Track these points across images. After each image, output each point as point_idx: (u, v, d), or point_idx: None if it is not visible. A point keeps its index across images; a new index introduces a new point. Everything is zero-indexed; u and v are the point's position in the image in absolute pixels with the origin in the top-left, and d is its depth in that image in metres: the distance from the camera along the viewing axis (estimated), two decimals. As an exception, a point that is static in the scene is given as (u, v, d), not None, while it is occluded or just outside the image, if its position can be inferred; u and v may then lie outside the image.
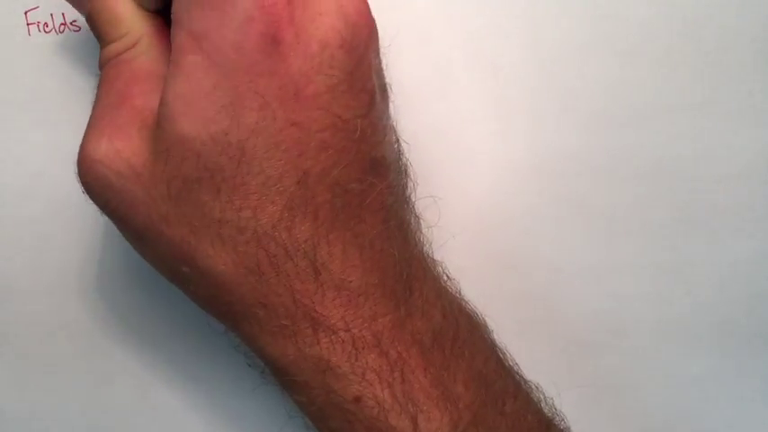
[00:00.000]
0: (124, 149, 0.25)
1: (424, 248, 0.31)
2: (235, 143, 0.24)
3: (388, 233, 0.27)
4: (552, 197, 0.36)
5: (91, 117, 0.27)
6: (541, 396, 0.32)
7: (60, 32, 0.36)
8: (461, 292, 0.31)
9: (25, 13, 0.36)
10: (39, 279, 0.35)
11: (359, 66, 0.26)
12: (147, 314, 0.35)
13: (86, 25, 0.36)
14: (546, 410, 0.32)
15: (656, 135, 0.36)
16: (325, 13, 0.25)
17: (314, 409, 0.26)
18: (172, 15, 0.25)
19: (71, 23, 0.36)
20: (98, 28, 0.28)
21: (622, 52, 0.36)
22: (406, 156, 0.31)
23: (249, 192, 0.24)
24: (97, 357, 0.35)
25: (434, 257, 0.31)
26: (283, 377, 0.26)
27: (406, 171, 0.31)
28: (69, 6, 0.34)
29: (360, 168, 0.26)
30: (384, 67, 0.30)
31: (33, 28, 0.36)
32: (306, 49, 0.24)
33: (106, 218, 0.35)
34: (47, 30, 0.36)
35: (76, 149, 0.35)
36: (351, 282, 0.25)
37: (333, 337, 0.25)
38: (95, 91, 0.27)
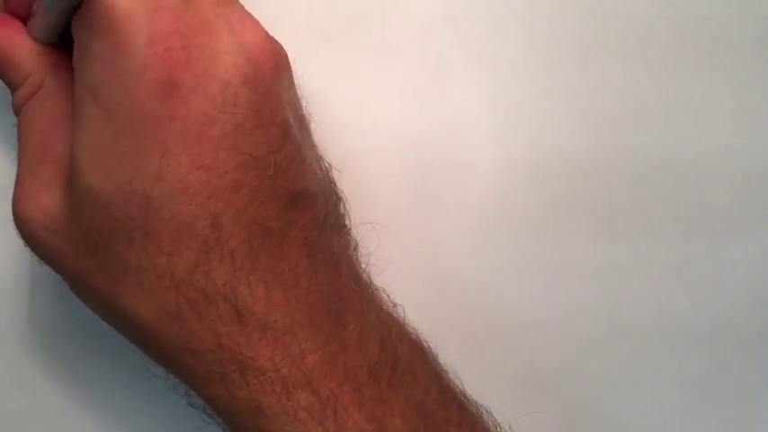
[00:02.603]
0: (49, 205, 0.26)
1: (363, 276, 0.30)
2: (140, 192, 0.24)
3: (314, 268, 0.26)
4: (552, 197, 0.36)
5: (17, 173, 0.27)
6: (490, 422, 0.31)
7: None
8: (406, 318, 0.31)
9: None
10: (39, 279, 0.35)
11: (265, 101, 0.25)
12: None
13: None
14: None
15: (656, 135, 0.36)
16: (226, 52, 0.24)
17: None
18: (73, 65, 0.25)
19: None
20: (2, 77, 0.28)
21: (622, 52, 0.36)
22: (336, 182, 0.30)
23: (162, 238, 0.24)
24: (97, 358, 0.35)
25: (376, 283, 0.31)
26: (224, 419, 0.26)
27: (337, 198, 0.29)
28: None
29: (278, 205, 0.26)
30: (301, 96, 0.29)
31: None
32: (207, 90, 0.24)
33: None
34: (46, 29, 0.36)
35: (76, 149, 0.35)
36: (276, 321, 0.25)
37: (261, 378, 0.25)
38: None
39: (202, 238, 0.24)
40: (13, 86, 0.27)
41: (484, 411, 0.31)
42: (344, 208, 0.31)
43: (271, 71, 0.26)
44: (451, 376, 0.31)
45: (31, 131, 0.27)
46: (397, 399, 0.26)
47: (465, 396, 0.31)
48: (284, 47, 0.28)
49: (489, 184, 0.36)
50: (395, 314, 0.30)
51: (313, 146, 0.29)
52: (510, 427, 0.32)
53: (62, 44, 0.28)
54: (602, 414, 0.37)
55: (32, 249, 0.27)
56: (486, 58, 0.36)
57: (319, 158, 0.29)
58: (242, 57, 0.25)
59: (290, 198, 0.26)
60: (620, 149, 0.36)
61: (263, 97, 0.25)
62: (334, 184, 0.31)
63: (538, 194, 0.36)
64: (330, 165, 0.31)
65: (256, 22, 0.26)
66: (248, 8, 0.27)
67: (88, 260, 0.25)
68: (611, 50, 0.36)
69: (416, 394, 0.27)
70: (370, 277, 0.31)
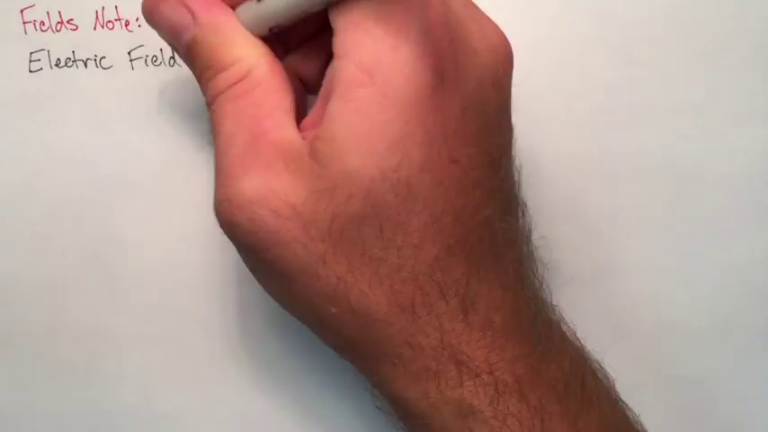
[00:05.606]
0: (279, 188, 0.24)
1: (544, 292, 0.29)
2: (403, 180, 0.24)
3: (522, 274, 0.27)
4: (553, 197, 0.36)
5: (227, 156, 0.25)
6: None
7: (57, 31, 0.35)
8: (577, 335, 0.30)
9: (21, 11, 0.35)
10: (39, 279, 0.35)
11: (505, 102, 0.26)
12: (149, 314, 0.35)
13: (83, 23, 0.35)
14: None
15: (657, 135, 0.36)
16: (480, 51, 0.25)
17: None
18: (335, 48, 0.25)
19: (68, 22, 0.35)
20: (204, 56, 0.26)
21: (622, 52, 0.36)
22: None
23: (410, 230, 0.24)
24: (97, 358, 0.35)
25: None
26: (417, 420, 0.25)
27: (524, 210, 0.29)
28: (66, 4, 0.34)
29: (502, 207, 0.26)
30: None
31: (29, 26, 0.36)
32: (466, 86, 0.24)
33: (106, 218, 0.35)
34: (43, 28, 0.36)
35: (76, 148, 0.35)
36: (494, 323, 0.25)
37: (476, 379, 0.24)
38: (210, 126, 0.25)
39: (447, 233, 0.24)
40: (213, 69, 0.26)
41: None
42: (527, 222, 0.30)
43: (510, 74, 0.26)
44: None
45: (239, 116, 0.25)
46: (591, 415, 0.26)
47: (639, 421, 0.29)
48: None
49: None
50: (569, 332, 0.29)
51: None
52: None
53: (268, 39, 0.27)
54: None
55: (247, 236, 0.24)
56: (487, 57, 0.36)
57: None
58: (492, 57, 0.25)
59: (508, 202, 0.26)
60: (621, 149, 0.36)
61: (504, 99, 0.26)
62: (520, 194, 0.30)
63: (538, 194, 0.36)
64: None
65: (497, 25, 0.26)
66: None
67: (324, 246, 0.24)
68: (611, 50, 0.36)
69: (605, 412, 0.27)
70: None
